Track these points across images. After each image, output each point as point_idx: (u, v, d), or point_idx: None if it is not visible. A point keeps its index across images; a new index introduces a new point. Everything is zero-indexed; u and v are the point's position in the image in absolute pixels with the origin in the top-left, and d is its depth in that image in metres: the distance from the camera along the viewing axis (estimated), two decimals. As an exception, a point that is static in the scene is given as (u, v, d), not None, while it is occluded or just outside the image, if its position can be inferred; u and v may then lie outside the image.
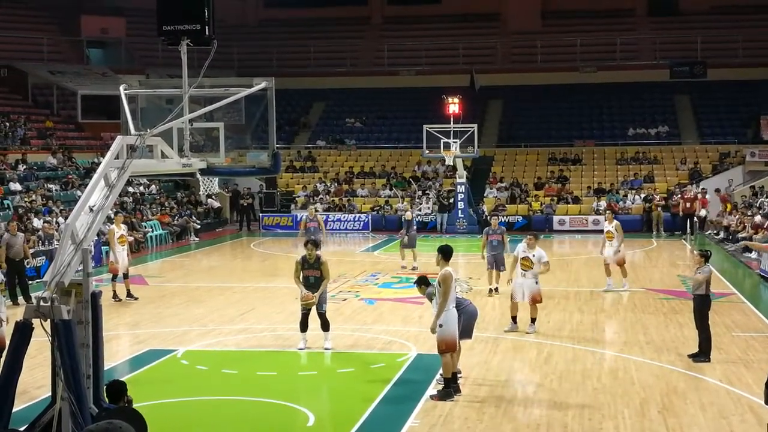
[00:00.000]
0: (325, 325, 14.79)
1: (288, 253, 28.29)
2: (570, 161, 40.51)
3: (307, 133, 45.48)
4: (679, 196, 34.42)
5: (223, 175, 12.01)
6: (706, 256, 14.33)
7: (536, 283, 16.15)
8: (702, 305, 14.09)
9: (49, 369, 9.07)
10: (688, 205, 33.79)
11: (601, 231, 22.69)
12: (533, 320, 16.22)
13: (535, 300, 16.13)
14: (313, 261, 14.77)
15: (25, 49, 42.43)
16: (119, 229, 20.17)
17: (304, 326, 14.78)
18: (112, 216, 21.99)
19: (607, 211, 21.87)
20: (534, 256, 16.16)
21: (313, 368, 13.90)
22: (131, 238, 25.57)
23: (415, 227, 25.38)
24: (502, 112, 45.16)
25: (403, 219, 26.02)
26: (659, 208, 34.47)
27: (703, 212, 34.14)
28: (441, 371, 12.21)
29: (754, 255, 25.36)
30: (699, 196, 34.52)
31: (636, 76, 44.47)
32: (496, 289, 19.96)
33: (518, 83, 45.13)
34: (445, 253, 12.34)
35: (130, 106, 10.86)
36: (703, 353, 14.01)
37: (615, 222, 20.83)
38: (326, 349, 14.71)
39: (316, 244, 15.43)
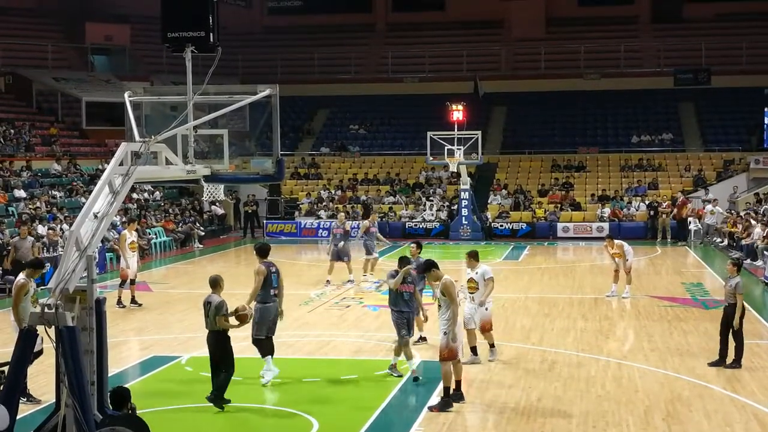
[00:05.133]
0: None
1: (292, 260, 28.30)
2: (574, 168, 40.50)
3: (311, 140, 45.53)
4: (679, 202, 34.41)
5: (227, 181, 12.03)
6: (738, 265, 14.25)
7: (486, 309, 14.27)
8: (733, 314, 14.01)
9: (53, 375, 9.08)
10: (675, 211, 33.89)
11: (604, 238, 22.59)
12: (492, 345, 14.60)
13: (485, 328, 14.31)
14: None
15: (30, 56, 42.56)
16: (130, 235, 20.24)
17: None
18: (123, 221, 22.18)
19: (606, 239, 21.61)
20: (477, 274, 14.28)
21: (317, 375, 13.88)
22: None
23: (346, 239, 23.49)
24: (506, 119, 45.19)
25: (335, 230, 23.63)
26: (664, 215, 34.41)
27: (691, 220, 34.09)
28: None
29: (759, 263, 25.33)
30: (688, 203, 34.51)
31: (640, 83, 44.49)
32: (424, 338, 15.67)
33: (522, 90, 45.19)
34: (436, 266, 12.27)
35: (135, 113, 10.88)
36: (736, 360, 14.04)
37: (616, 242, 20.79)
38: (264, 382, 13.32)
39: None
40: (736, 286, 13.93)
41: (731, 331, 14.08)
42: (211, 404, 11.95)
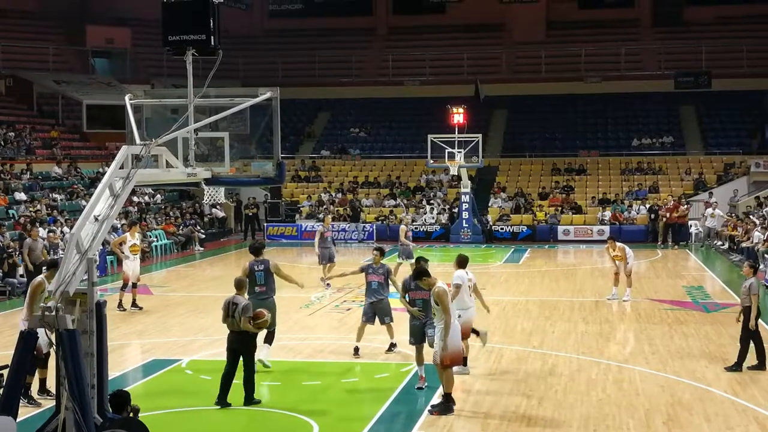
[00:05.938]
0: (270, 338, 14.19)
1: (293, 263, 28.28)
2: (575, 171, 40.51)
3: (311, 143, 45.55)
4: (671, 205, 34.44)
5: (227, 184, 12.04)
6: (754, 267, 14.25)
7: (458, 316, 12.86)
8: (749, 316, 13.98)
9: (53, 378, 9.08)
10: (668, 215, 33.91)
11: (605, 241, 22.68)
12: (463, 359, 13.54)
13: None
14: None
15: (31, 58, 42.56)
16: (132, 238, 20.18)
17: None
18: (123, 224, 22.20)
19: (609, 241, 21.64)
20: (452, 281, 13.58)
21: (317, 378, 13.88)
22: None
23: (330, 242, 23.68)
24: (507, 122, 45.20)
25: (326, 234, 23.70)
26: (664, 219, 34.38)
27: (692, 223, 34.17)
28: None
29: (761, 266, 25.31)
30: (682, 206, 34.55)
31: (641, 86, 44.50)
32: (393, 345, 15.31)
33: (523, 93, 45.19)
34: (427, 273, 12.10)
35: (136, 116, 10.90)
36: (737, 364, 14.01)
37: (618, 245, 20.79)
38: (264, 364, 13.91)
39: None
40: (750, 287, 13.89)
41: (748, 332, 14.01)
42: (215, 407, 11.97)
